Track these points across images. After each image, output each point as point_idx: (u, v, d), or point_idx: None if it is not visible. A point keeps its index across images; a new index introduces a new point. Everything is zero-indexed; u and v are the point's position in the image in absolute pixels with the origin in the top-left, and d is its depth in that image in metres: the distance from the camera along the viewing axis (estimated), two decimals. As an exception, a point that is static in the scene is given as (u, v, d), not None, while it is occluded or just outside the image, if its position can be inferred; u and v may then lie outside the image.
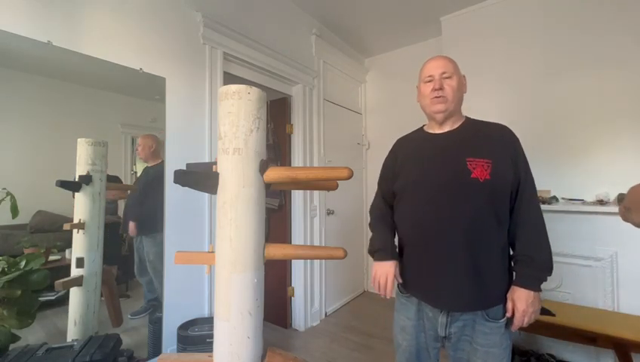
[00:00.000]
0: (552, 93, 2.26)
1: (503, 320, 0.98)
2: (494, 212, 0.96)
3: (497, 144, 1.01)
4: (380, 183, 1.24)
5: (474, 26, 2.63)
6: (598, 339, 1.66)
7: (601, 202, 1.96)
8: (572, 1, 2.21)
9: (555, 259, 2.12)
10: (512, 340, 1.04)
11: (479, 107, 2.49)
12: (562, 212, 2.08)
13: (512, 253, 1.03)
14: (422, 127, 1.18)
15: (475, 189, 0.95)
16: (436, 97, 1.03)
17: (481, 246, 0.96)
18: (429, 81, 1.06)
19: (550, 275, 0.97)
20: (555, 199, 2.14)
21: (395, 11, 2.76)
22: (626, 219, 0.78)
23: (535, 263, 0.96)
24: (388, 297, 1.05)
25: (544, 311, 1.85)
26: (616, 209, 1.85)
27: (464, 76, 1.09)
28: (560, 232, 2.10)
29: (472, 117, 1.12)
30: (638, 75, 1.97)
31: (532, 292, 0.94)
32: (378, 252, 1.09)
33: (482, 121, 1.10)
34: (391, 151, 1.23)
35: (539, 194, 2.18)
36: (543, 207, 2.08)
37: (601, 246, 1.96)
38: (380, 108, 3.60)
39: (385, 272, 1.04)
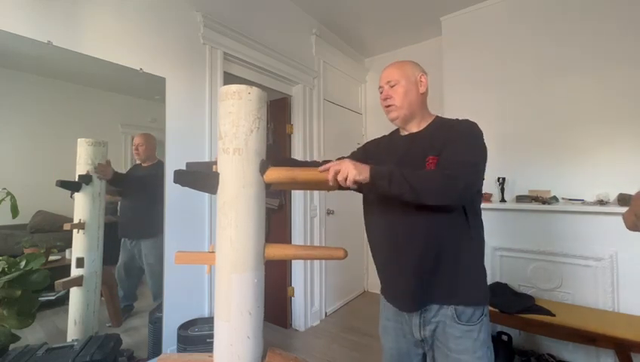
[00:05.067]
0: (552, 93, 2.26)
1: (476, 323, 0.95)
2: (448, 209, 0.94)
3: (447, 139, 0.97)
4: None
5: (474, 26, 2.63)
6: (598, 339, 1.66)
7: (601, 202, 1.95)
8: (572, 2, 2.21)
9: (555, 259, 2.15)
10: (491, 351, 0.98)
11: (479, 107, 2.50)
12: (562, 212, 2.08)
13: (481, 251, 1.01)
14: (397, 129, 1.18)
15: None
16: (386, 106, 1.08)
17: (430, 245, 0.95)
18: (381, 92, 1.11)
19: (387, 187, 0.86)
20: (555, 199, 2.14)
21: (395, 11, 2.75)
22: (634, 228, 0.71)
23: (397, 170, 0.87)
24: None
25: (544, 311, 1.86)
26: (616, 209, 1.85)
27: (422, 75, 1.07)
28: (560, 232, 2.10)
29: (446, 116, 1.11)
30: (638, 75, 1.97)
31: (367, 167, 0.87)
32: None
33: (449, 120, 1.07)
34: (361, 147, 1.26)
35: (539, 194, 2.18)
36: (543, 206, 2.10)
37: (601, 246, 1.96)
38: (380, 108, 3.57)
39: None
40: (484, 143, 0.98)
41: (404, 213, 0.97)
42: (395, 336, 1.07)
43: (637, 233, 0.74)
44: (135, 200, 1.80)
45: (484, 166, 0.96)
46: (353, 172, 0.85)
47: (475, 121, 1.01)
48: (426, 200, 0.87)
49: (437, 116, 1.10)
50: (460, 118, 1.05)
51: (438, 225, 0.95)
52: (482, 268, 1.02)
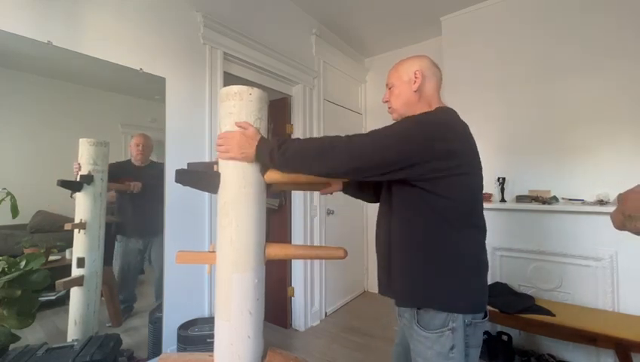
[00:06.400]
0: (552, 93, 2.26)
1: (433, 332, 0.90)
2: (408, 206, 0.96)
3: None
4: None
5: (474, 26, 2.63)
6: (598, 339, 1.66)
7: (601, 202, 1.96)
8: (572, 1, 2.21)
9: (555, 259, 2.15)
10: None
11: (479, 107, 2.50)
12: (562, 212, 2.08)
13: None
14: None
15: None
16: (388, 108, 1.11)
17: (392, 242, 0.98)
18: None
19: (273, 161, 0.82)
20: (555, 199, 2.14)
21: (395, 11, 2.75)
22: (622, 228, 0.71)
23: (282, 141, 0.84)
24: None
25: (544, 311, 1.86)
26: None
27: (417, 70, 1.01)
28: (560, 232, 2.10)
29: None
30: (638, 75, 1.97)
31: (254, 141, 0.82)
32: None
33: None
34: None
35: (539, 194, 2.19)
36: (543, 206, 2.10)
37: (601, 246, 1.96)
38: (380, 109, 3.59)
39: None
40: (415, 128, 0.87)
41: (383, 206, 1.04)
42: (402, 323, 1.11)
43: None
44: (142, 199, 1.79)
45: (405, 147, 0.84)
46: (235, 151, 0.81)
47: (465, 121, 0.98)
48: (302, 170, 0.83)
49: (437, 108, 1.03)
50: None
51: (396, 227, 0.97)
52: (432, 276, 0.91)
